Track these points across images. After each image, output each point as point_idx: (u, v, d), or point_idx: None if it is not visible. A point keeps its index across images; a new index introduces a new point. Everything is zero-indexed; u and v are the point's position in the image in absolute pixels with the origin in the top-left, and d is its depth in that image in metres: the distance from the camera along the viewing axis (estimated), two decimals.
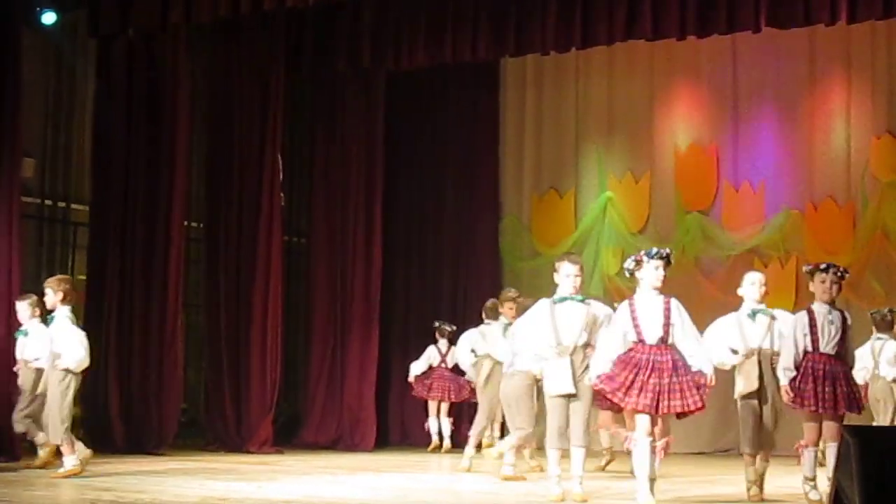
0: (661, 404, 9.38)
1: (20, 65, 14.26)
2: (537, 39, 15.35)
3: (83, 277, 15.93)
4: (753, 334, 10.53)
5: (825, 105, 16.79)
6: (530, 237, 18.36)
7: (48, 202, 16.49)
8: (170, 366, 15.43)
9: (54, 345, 11.98)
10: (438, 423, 16.52)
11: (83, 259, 15.98)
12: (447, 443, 16.30)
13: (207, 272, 16.51)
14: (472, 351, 14.11)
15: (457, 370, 16.18)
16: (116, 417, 15.12)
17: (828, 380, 9.83)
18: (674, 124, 17.65)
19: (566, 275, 10.37)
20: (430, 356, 16.48)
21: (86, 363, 12.12)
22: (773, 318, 10.53)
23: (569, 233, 17.98)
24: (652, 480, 9.53)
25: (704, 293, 16.17)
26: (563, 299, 10.36)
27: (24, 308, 12.82)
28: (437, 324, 16.34)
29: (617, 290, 16.50)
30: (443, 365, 16.40)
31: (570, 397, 10.21)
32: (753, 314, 10.58)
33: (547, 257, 17.86)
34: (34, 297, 12.82)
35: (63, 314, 12.12)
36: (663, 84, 17.72)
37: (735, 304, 16.07)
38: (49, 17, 15.70)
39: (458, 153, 18.45)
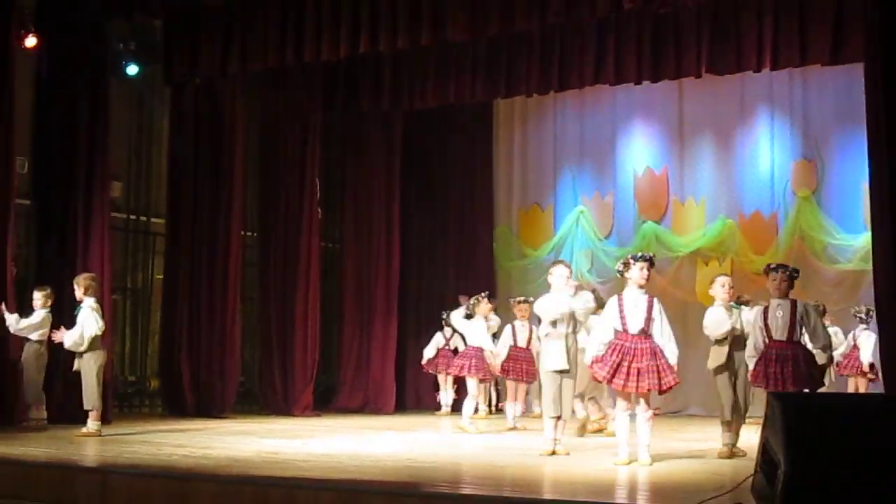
0: (640, 384, 9.29)
1: (109, 107, 14.30)
2: (523, 84, 15.39)
3: (160, 277, 15.94)
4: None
5: (753, 134, 16.79)
6: (518, 242, 18.35)
7: (132, 217, 16.50)
8: (230, 347, 15.42)
9: (84, 329, 11.95)
10: (447, 394, 16.53)
11: (160, 263, 15.96)
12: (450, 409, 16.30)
13: (260, 272, 16.51)
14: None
15: (457, 352, 16.24)
16: (188, 389, 15.11)
17: (779, 362, 9.52)
18: (632, 151, 17.63)
19: (559, 276, 10.34)
20: (437, 342, 16.44)
21: (96, 333, 11.96)
22: (739, 308, 10.40)
23: (549, 239, 17.99)
24: (646, 446, 9.43)
25: (657, 287, 16.09)
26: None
27: (38, 297, 12.56)
28: (444, 314, 16.21)
29: (588, 285, 16.49)
30: (447, 347, 16.38)
31: (561, 373, 10.18)
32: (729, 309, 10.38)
33: (532, 259, 17.96)
34: (48, 290, 12.63)
35: (88, 304, 12.05)
36: (624, 119, 17.71)
37: (680, 295, 16.27)
38: (132, 69, 15.76)
39: (460, 176, 18.43)
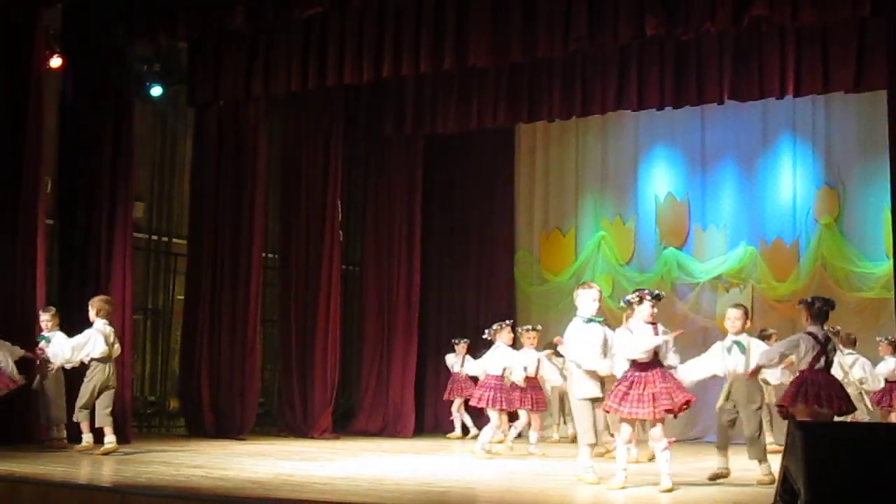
0: (657, 408, 9.23)
1: (132, 128, 14.37)
2: (545, 109, 15.45)
3: (181, 297, 15.99)
4: (731, 362, 10.23)
5: (775, 162, 16.72)
6: (539, 267, 18.31)
7: (154, 237, 16.58)
8: (250, 368, 15.45)
9: (91, 346, 12.07)
10: (460, 416, 16.49)
11: (182, 283, 16.04)
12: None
13: (281, 294, 16.54)
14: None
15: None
16: (207, 409, 15.16)
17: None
18: (654, 177, 17.59)
19: (593, 299, 10.03)
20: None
21: (93, 353, 12.07)
22: (743, 348, 10.16)
23: (570, 264, 17.95)
24: (667, 474, 9.30)
25: (678, 312, 16.17)
26: (591, 320, 10.02)
27: (45, 318, 12.57)
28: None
29: (609, 311, 16.44)
30: (461, 373, 16.33)
31: (594, 402, 9.94)
32: (729, 347, 10.25)
33: (553, 283, 17.93)
34: (54, 310, 12.67)
35: (98, 325, 12.15)
36: (646, 145, 17.68)
37: (701, 321, 16.25)
38: (156, 91, 15.88)
39: (481, 200, 18.43)
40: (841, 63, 13.33)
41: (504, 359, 13.38)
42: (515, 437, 13.91)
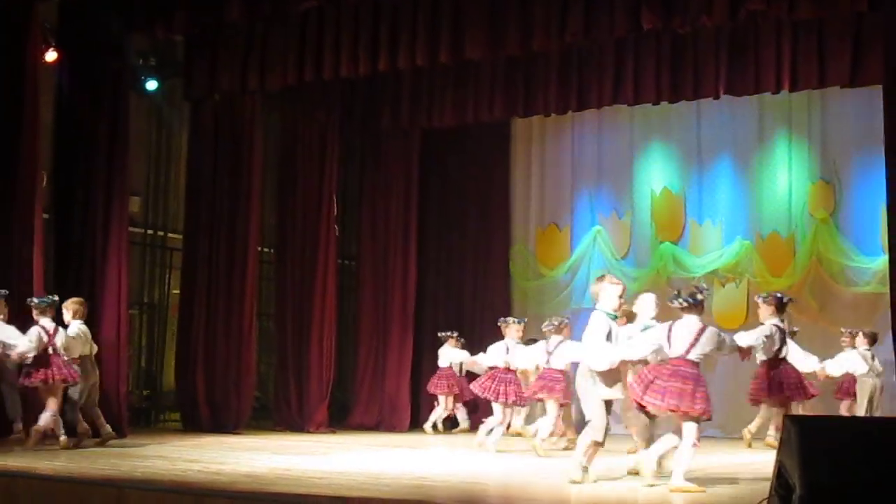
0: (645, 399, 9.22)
1: (128, 122, 14.36)
2: (541, 104, 15.46)
3: (177, 292, 15.99)
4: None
5: (771, 157, 16.74)
6: (535, 262, 18.31)
7: (150, 231, 16.57)
8: (246, 362, 15.43)
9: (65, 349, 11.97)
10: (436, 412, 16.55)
11: (178, 277, 16.03)
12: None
13: (277, 288, 16.54)
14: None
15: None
16: (203, 403, 15.14)
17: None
18: (650, 172, 17.59)
19: (618, 295, 9.57)
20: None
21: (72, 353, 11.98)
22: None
23: (566, 259, 17.95)
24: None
25: (673, 308, 16.10)
26: (614, 316, 9.63)
27: None
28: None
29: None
30: (451, 368, 16.32)
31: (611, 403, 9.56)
32: (645, 328, 10.24)
33: (548, 278, 17.95)
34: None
35: (74, 326, 12.16)
36: (642, 140, 17.68)
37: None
38: (152, 85, 15.88)
39: (477, 194, 18.42)
40: (837, 58, 13.35)
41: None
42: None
